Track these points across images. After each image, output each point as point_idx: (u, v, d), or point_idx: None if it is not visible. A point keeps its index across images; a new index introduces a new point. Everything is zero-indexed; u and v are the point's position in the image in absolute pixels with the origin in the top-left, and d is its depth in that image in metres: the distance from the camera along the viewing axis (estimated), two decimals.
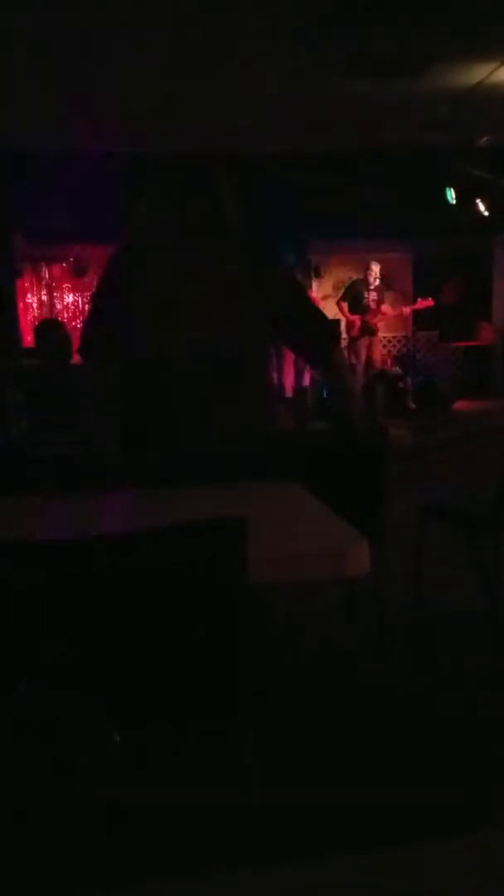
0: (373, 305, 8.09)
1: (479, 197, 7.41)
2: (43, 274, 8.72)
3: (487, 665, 2.56)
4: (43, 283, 8.72)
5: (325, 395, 8.38)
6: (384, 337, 9.02)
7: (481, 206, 7.48)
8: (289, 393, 7.77)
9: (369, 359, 8.19)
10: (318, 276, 9.71)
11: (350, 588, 2.68)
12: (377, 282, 8.11)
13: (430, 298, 8.25)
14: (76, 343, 2.10)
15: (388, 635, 2.76)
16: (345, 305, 8.21)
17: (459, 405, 8.33)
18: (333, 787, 1.91)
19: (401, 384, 8.34)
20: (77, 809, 1.56)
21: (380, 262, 8.45)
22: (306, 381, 7.99)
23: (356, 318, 8.10)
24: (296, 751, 2.05)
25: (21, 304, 8.30)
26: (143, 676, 1.43)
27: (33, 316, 8.58)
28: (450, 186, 7.24)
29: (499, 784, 1.91)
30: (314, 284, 9.36)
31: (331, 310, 8.90)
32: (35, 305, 8.80)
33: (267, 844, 1.58)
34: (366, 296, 8.07)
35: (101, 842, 1.59)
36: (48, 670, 1.34)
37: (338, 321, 8.25)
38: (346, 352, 8.73)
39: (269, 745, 1.94)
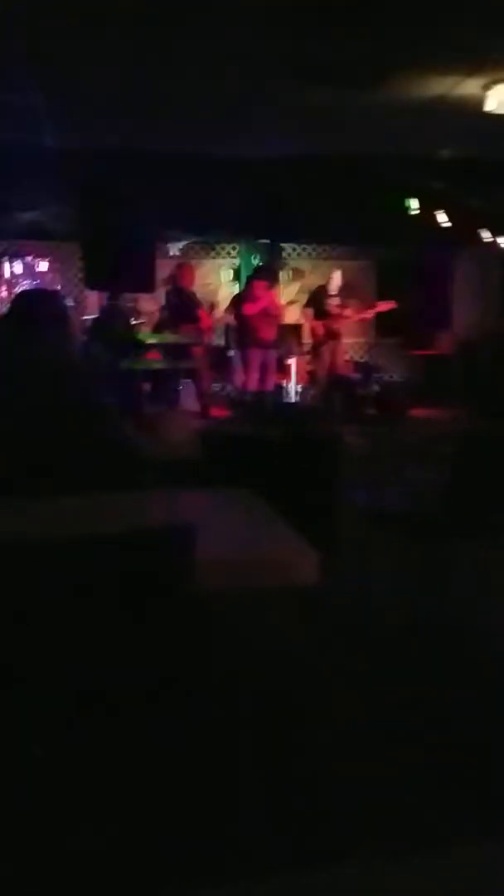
0: (335, 311, 8.18)
1: (440, 208, 7.55)
2: (3, 270, 8.60)
3: (438, 669, 2.60)
4: (2, 279, 8.60)
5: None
6: (346, 342, 9.11)
7: (442, 218, 7.62)
8: (247, 397, 7.79)
9: (332, 364, 8.27)
10: (277, 280, 9.72)
11: (302, 594, 2.70)
12: (339, 288, 8.21)
13: (391, 301, 8.38)
14: None
15: (341, 641, 2.78)
16: (309, 312, 8.30)
17: (416, 412, 8.45)
18: (291, 797, 1.92)
19: (360, 390, 8.42)
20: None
21: (343, 269, 8.54)
22: (267, 385, 8.01)
23: (319, 324, 8.18)
24: (245, 760, 2.05)
25: None
26: (90, 683, 1.43)
27: None
28: (411, 197, 7.36)
29: (459, 792, 1.94)
30: (281, 289, 9.41)
31: (295, 315, 8.97)
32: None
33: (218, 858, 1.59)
34: (327, 302, 8.16)
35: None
36: None
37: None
38: (309, 357, 8.83)
39: (222, 753, 1.95)
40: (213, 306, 8.98)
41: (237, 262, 9.85)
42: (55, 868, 1.56)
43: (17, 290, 8.60)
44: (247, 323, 7.68)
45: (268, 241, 9.50)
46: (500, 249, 8.48)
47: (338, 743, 2.15)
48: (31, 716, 1.40)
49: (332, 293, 8.18)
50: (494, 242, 8.31)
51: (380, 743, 2.15)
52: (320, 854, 1.64)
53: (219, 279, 9.96)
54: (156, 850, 1.64)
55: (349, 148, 6.84)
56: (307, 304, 8.38)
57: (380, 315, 8.78)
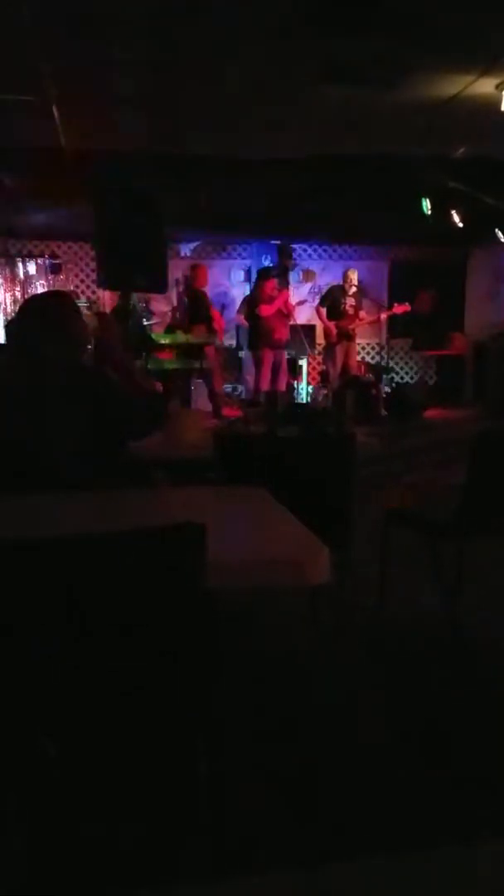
0: (350, 311, 8.18)
1: (453, 208, 7.50)
2: (17, 271, 8.65)
3: (447, 671, 2.58)
4: (17, 280, 8.64)
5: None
6: (358, 343, 9.10)
7: (456, 218, 7.57)
8: (259, 398, 7.79)
9: (345, 365, 8.25)
10: (289, 281, 9.74)
11: (314, 593, 2.69)
12: (354, 288, 8.21)
13: (406, 304, 8.36)
14: None
15: (351, 640, 2.77)
16: (323, 311, 8.28)
17: (430, 413, 8.41)
18: (293, 795, 1.91)
19: (373, 391, 8.40)
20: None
21: (357, 269, 8.54)
22: (280, 385, 8.01)
23: (333, 325, 8.17)
24: (252, 758, 2.05)
25: None
26: (99, 680, 1.43)
27: (6, 312, 8.50)
28: (425, 197, 7.32)
29: (459, 792, 1.93)
30: (291, 289, 9.42)
31: (305, 314, 8.96)
32: (9, 302, 8.73)
33: (216, 856, 1.58)
34: (343, 301, 8.16)
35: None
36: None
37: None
38: (322, 357, 8.82)
39: (227, 752, 1.94)
40: (224, 307, 8.99)
41: (248, 262, 9.87)
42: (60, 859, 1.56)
43: (31, 290, 8.68)
44: (262, 324, 7.68)
45: (279, 241, 9.50)
46: None
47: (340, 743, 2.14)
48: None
49: (348, 293, 8.18)
50: None
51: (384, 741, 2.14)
52: (320, 854, 1.63)
53: (230, 280, 9.98)
54: (160, 844, 1.64)
55: (361, 148, 6.81)
56: (321, 303, 8.37)
57: (392, 316, 8.76)
